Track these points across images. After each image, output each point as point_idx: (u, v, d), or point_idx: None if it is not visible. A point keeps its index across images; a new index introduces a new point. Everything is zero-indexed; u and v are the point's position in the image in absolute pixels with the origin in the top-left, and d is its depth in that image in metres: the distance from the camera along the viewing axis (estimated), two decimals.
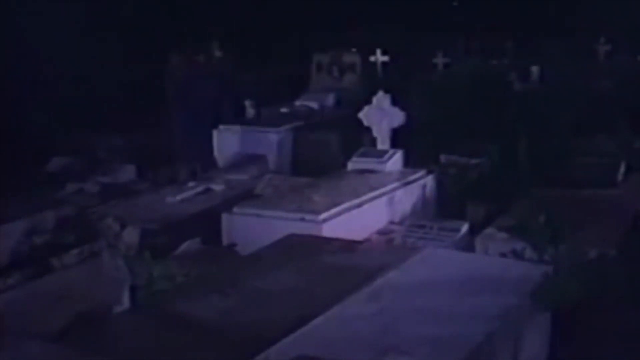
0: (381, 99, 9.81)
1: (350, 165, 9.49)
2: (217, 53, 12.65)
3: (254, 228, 7.61)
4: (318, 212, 7.68)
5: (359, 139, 10.42)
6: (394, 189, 8.74)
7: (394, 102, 9.82)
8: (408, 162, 9.59)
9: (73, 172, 10.95)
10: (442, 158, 10.20)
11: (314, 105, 13.62)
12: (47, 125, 12.44)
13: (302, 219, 7.55)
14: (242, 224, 7.84)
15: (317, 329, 4.65)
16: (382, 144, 9.74)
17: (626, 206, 7.99)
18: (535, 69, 14.55)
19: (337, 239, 6.94)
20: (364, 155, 9.64)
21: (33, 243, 7.67)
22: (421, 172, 9.32)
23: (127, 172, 11.02)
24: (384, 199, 8.52)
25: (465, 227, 7.99)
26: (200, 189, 9.76)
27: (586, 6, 16.61)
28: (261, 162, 11.15)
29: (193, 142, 11.75)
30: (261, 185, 9.73)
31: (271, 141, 11.33)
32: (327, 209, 7.80)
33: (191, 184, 9.90)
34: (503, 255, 6.20)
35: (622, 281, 5.53)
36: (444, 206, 9.17)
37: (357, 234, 7.42)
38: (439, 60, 15.87)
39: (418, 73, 14.00)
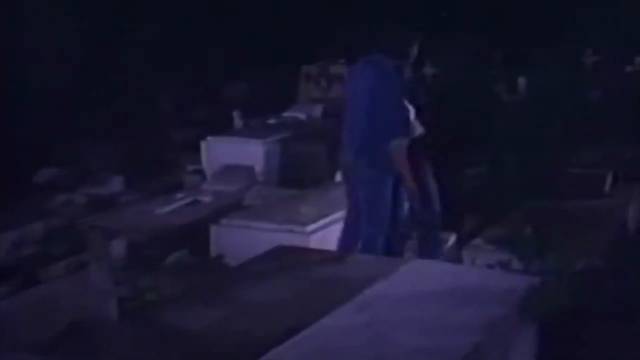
0: None
1: (338, 177, 9.48)
2: None
3: (242, 239, 7.61)
4: (306, 224, 7.69)
5: None
6: None
7: None
8: None
9: (61, 183, 10.94)
10: None
11: (301, 116, 13.62)
12: (36, 135, 12.40)
13: (290, 231, 7.56)
14: (230, 236, 7.84)
15: (306, 341, 4.65)
16: None
17: (614, 217, 8.02)
18: (522, 80, 14.57)
19: (325, 251, 6.96)
20: None
21: (21, 254, 7.67)
22: None
23: (115, 183, 11.00)
24: None
25: (453, 238, 8.00)
26: (188, 200, 9.77)
27: (573, 17, 16.65)
28: (249, 173, 11.14)
29: None
30: (249, 197, 9.73)
31: (259, 152, 11.30)
32: (315, 220, 7.81)
33: (179, 195, 9.90)
34: (490, 266, 6.20)
35: (610, 292, 5.55)
36: None
37: None
38: (427, 70, 15.88)
39: None
